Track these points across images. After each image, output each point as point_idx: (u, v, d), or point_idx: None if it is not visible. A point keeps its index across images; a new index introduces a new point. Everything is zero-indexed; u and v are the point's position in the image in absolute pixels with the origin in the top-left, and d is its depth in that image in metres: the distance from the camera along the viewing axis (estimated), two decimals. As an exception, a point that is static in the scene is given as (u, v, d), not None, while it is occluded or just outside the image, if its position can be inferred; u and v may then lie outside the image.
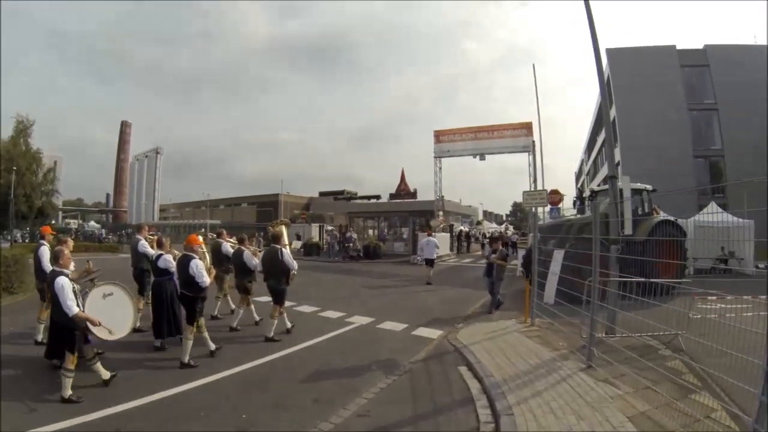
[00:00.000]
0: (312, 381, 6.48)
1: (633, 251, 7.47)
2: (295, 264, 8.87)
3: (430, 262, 18.00)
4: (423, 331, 9.38)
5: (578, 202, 17.77)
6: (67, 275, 5.67)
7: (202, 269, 7.10)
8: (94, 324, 5.65)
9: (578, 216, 14.87)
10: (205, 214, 71.57)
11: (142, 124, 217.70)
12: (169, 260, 7.66)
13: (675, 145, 32.75)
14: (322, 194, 61.74)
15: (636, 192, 13.77)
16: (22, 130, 55.45)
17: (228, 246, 10.21)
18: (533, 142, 30.75)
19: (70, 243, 7.28)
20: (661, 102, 33.88)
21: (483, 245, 34.90)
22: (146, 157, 79.12)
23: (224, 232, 11.01)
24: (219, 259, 10.05)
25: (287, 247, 9.07)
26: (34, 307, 8.18)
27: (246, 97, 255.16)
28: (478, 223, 54.17)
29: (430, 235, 19.88)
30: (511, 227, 50.01)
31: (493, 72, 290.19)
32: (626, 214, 8.37)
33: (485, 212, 73.27)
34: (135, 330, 7.09)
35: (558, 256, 10.77)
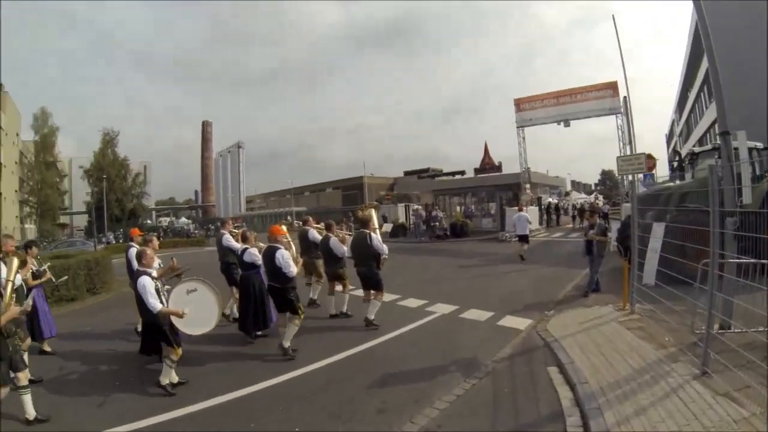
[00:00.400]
0: (380, 385, 5.76)
1: (744, 224, 5.85)
2: (385, 248, 8.36)
3: (523, 238, 16.85)
4: (510, 321, 8.36)
5: (677, 167, 15.74)
6: (149, 274, 5.75)
7: (288, 259, 6.81)
8: (177, 316, 5.63)
9: (678, 183, 13.15)
10: (291, 202, 72.25)
11: (225, 121, 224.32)
12: (255, 253, 7.52)
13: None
14: (407, 173, 61.13)
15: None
16: (109, 141, 60.56)
17: (315, 233, 9.78)
18: (625, 98, 26.67)
19: (155, 242, 7.70)
20: (760, 50, 29.09)
21: (574, 217, 32.84)
22: (229, 152, 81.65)
23: (310, 218, 10.58)
24: (307, 246, 9.73)
25: (377, 231, 8.65)
26: (118, 305, 8.31)
27: (325, 85, 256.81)
28: (567, 194, 50.84)
29: (521, 209, 18.58)
30: (600, 197, 46.86)
31: (570, 34, 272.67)
32: (745, 180, 6.75)
33: (573, 182, 69.11)
34: (225, 316, 7.78)
35: (658, 230, 9.25)
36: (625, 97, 26.98)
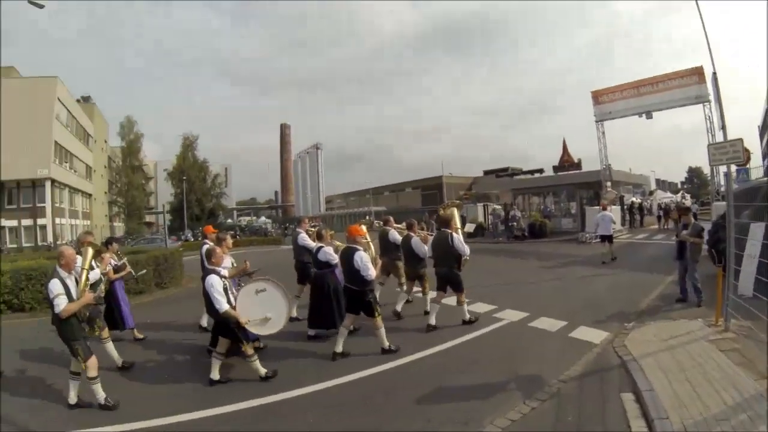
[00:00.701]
0: (428, 401, 5.14)
1: None
2: (467, 249, 7.89)
3: (607, 239, 15.71)
4: (584, 332, 7.42)
5: None
6: (218, 273, 5.75)
7: (367, 261, 6.51)
8: (240, 324, 5.58)
9: None
10: (370, 202, 72.39)
11: (306, 125, 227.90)
12: (330, 252, 7.33)
13: None
14: (486, 173, 59.49)
15: None
16: (189, 145, 64.41)
17: (396, 233, 9.35)
18: (714, 74, 23.35)
19: (229, 240, 7.53)
20: None
21: (659, 218, 30.41)
22: (307, 153, 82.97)
23: (391, 218, 10.13)
24: (387, 247, 9.33)
25: (459, 231, 8.34)
26: (184, 300, 9.02)
27: (402, 88, 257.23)
28: (651, 193, 47.14)
29: (605, 208, 17.27)
30: (688, 196, 43.81)
31: (647, 24, 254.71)
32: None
33: (657, 181, 64.24)
34: (291, 319, 7.54)
35: (757, 231, 8.10)
36: (714, 73, 23.97)
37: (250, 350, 5.72)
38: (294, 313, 8.23)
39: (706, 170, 77.08)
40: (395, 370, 6.18)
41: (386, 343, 6.64)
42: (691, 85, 27.22)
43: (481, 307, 9.25)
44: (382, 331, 6.67)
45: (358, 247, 6.66)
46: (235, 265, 7.12)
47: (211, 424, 4.75)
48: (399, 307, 8.90)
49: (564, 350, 6.67)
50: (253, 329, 5.79)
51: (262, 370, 5.78)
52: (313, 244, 8.07)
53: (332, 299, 7.22)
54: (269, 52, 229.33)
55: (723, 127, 8.19)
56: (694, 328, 7.08)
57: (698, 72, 26.76)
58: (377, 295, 9.29)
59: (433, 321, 7.85)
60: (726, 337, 6.52)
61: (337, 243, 7.93)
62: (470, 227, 28.42)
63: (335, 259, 7.22)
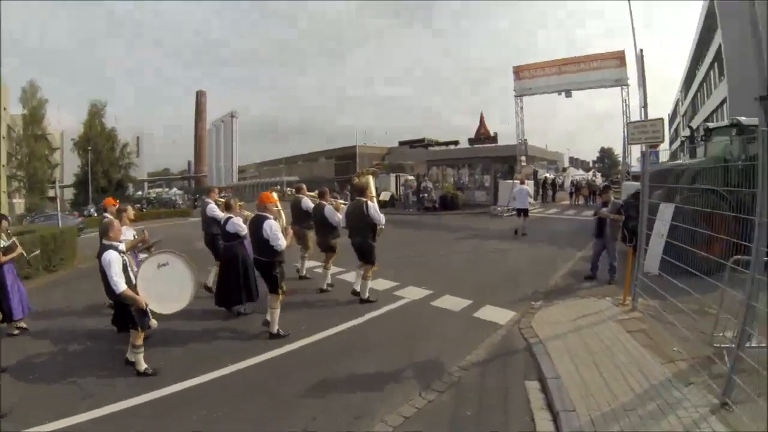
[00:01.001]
0: (316, 394, 4.68)
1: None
2: (382, 218, 7.87)
3: (523, 212, 16.02)
4: (489, 312, 7.15)
5: (688, 143, 14.52)
6: (116, 248, 5.27)
7: (277, 231, 6.23)
8: (139, 306, 5.16)
9: (695, 160, 11.97)
10: (283, 172, 70.76)
11: (229, 95, 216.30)
12: (238, 223, 7.09)
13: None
14: (402, 143, 59.52)
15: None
16: (96, 112, 60.08)
17: (308, 201, 9.23)
18: (642, 51, 24.25)
19: (130, 212, 7.31)
20: None
21: (571, 194, 31.74)
22: (222, 122, 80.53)
23: (304, 186, 9.91)
24: (300, 215, 9.25)
25: (374, 199, 8.20)
26: (76, 280, 9.07)
27: (341, 53, 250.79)
28: (564, 170, 49.43)
29: (522, 182, 17.66)
30: (599, 174, 46.35)
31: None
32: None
33: (571, 159, 67.72)
34: (208, 288, 7.77)
35: (666, 211, 8.17)
36: (641, 50, 24.77)
37: (139, 341, 5.25)
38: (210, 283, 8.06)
39: (617, 151, 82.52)
40: (284, 357, 5.69)
41: (276, 328, 6.28)
42: (612, 68, 28.53)
43: (382, 284, 8.80)
44: (278, 312, 6.32)
45: (268, 215, 6.37)
46: (138, 236, 6.78)
47: (88, 426, 4.19)
48: (303, 271, 9.46)
49: (467, 332, 6.34)
50: (157, 307, 5.45)
51: (143, 366, 5.25)
52: (222, 214, 7.76)
53: (240, 273, 6.98)
54: (198, 21, 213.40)
55: (645, 106, 8.08)
56: (603, 307, 7.02)
57: (619, 56, 28.15)
58: (304, 270, 9.59)
59: (361, 289, 7.89)
60: (633, 317, 6.49)
61: (247, 213, 7.69)
62: (386, 195, 28.38)
63: (244, 230, 6.99)
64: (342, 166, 66.78)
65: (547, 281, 9.00)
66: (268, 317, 6.35)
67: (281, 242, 6.17)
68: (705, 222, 6.10)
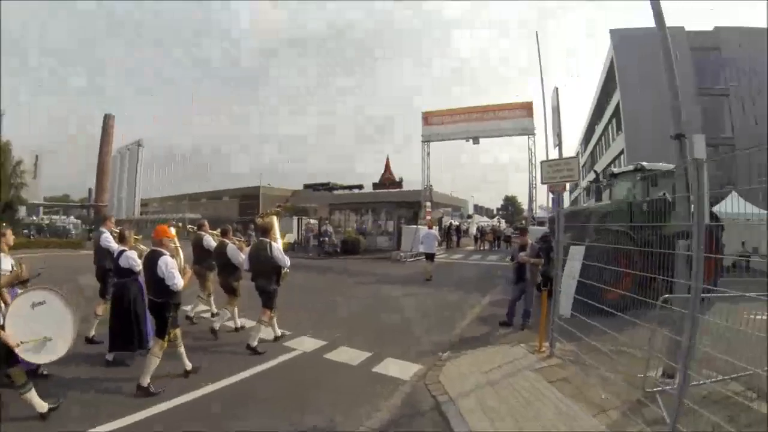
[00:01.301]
0: None
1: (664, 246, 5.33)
2: (287, 260, 7.62)
3: (430, 257, 16.19)
4: (391, 366, 6.35)
5: (595, 188, 15.15)
6: None
7: (173, 269, 5.71)
8: (11, 348, 4.43)
9: (602, 203, 12.60)
10: (186, 208, 69.28)
11: (143, 120, 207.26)
12: (133, 258, 6.57)
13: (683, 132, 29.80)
14: (307, 186, 59.12)
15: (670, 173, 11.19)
16: None
17: (210, 239, 8.87)
18: (556, 90, 25.20)
19: (9, 236, 6.16)
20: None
21: (476, 239, 32.57)
22: (128, 150, 76.94)
23: (206, 223, 9.48)
24: (200, 254, 8.84)
25: (278, 240, 7.99)
26: None
27: (248, 92, 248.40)
28: (469, 216, 51.26)
29: (430, 227, 17.96)
30: (502, 221, 48.47)
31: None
32: (703, 194, 5.20)
33: (476, 206, 70.69)
34: (90, 341, 7.01)
35: (576, 253, 8.03)
36: (556, 87, 26.48)
37: (20, 378, 4.60)
38: (92, 333, 7.27)
39: (520, 199, 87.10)
40: (151, 420, 4.69)
41: (147, 380, 5.47)
42: (519, 117, 30.01)
43: (270, 332, 7.77)
44: (155, 363, 5.58)
45: (164, 251, 5.84)
46: (15, 269, 5.78)
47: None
48: (193, 312, 8.88)
49: (366, 390, 5.50)
50: (27, 356, 4.64)
51: (41, 404, 4.63)
52: (117, 246, 7.04)
53: (133, 314, 6.43)
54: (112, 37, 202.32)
55: (559, 144, 7.97)
56: (518, 355, 6.50)
57: (527, 107, 29.89)
58: (192, 313, 8.98)
59: (252, 334, 7.21)
60: (552, 364, 6.03)
61: (143, 248, 7.10)
62: (290, 238, 27.80)
63: (139, 265, 6.44)
64: (246, 206, 66.74)
65: (454, 329, 8.44)
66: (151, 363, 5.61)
67: (177, 282, 5.64)
68: (615, 260, 6.38)
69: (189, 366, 6.06)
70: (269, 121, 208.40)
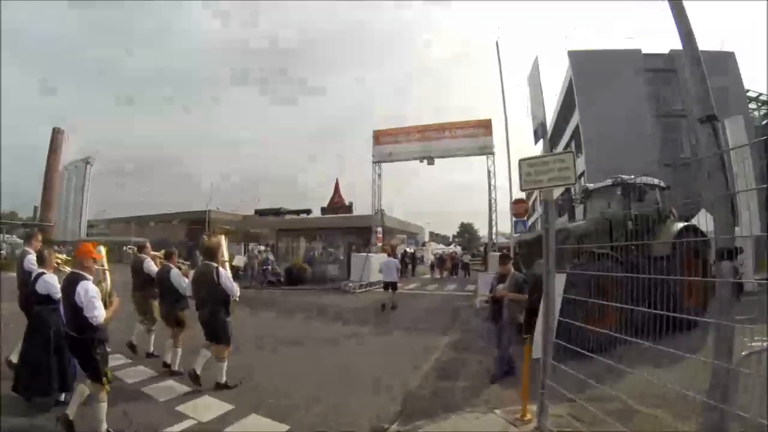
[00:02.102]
0: None
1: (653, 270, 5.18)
2: (236, 288, 6.84)
3: (392, 286, 15.36)
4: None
5: (568, 207, 13.98)
6: None
7: (93, 297, 4.78)
8: None
9: (579, 222, 11.22)
10: (132, 231, 67.48)
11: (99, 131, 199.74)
12: (52, 282, 5.84)
13: (642, 154, 29.74)
14: (258, 212, 57.70)
15: (650, 187, 10.16)
16: None
17: (152, 263, 8.27)
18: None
19: None
20: (626, 108, 31.22)
21: (432, 267, 31.90)
22: (75, 167, 74.30)
23: (148, 245, 9.01)
24: (141, 280, 8.23)
25: (226, 264, 7.41)
26: None
27: (197, 105, 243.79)
28: (424, 243, 50.37)
29: (390, 255, 17.65)
30: (459, 247, 48.20)
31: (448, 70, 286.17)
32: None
33: (431, 233, 70.11)
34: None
35: (557, 283, 6.40)
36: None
37: None
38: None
39: (477, 226, 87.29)
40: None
41: (104, 427, 4.89)
42: (477, 136, 28.67)
43: (164, 391, 6.02)
44: (104, 408, 4.92)
45: (86, 275, 5.02)
46: None
47: None
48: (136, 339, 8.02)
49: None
50: None
51: None
52: (36, 268, 6.36)
53: (51, 350, 5.64)
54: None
55: (543, 136, 6.07)
56: (493, 427, 4.71)
57: (485, 125, 28.48)
58: (135, 340, 8.06)
59: (217, 373, 6.43)
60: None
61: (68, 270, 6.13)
62: (239, 260, 25.58)
63: (59, 292, 5.54)
64: (196, 231, 65.19)
65: (407, 386, 6.54)
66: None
67: (98, 313, 4.78)
68: (599, 291, 5.16)
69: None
70: (221, 143, 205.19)
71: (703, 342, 3.87)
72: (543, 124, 5.24)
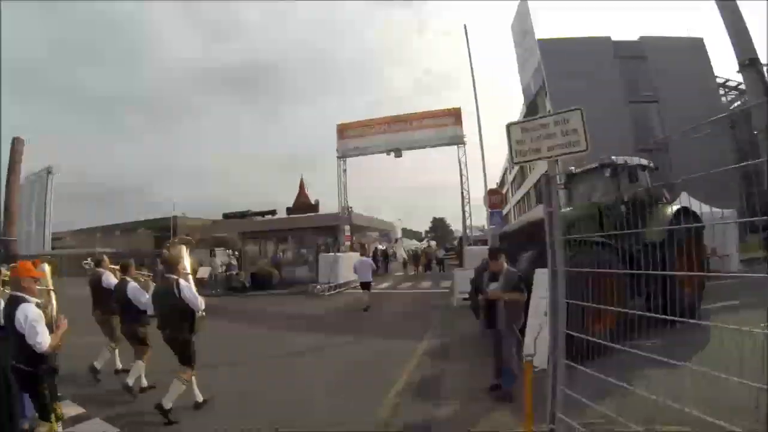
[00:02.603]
0: None
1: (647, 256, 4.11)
2: (200, 302, 6.17)
3: (366, 286, 15.27)
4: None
5: (546, 192, 13.07)
6: None
7: (36, 321, 4.31)
8: None
9: (565, 210, 10.07)
10: (96, 242, 64.63)
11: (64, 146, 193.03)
12: None
13: (616, 139, 29.20)
14: (227, 216, 56.32)
15: (640, 168, 9.63)
16: None
17: (111, 277, 7.74)
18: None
19: None
20: (598, 95, 30.66)
21: (405, 264, 31.44)
22: (37, 177, 72.12)
23: (106, 258, 8.39)
24: (100, 296, 7.74)
25: (189, 276, 6.73)
26: None
27: (169, 123, 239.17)
28: (397, 240, 50.06)
29: (363, 254, 18.15)
30: (433, 242, 47.12)
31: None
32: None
33: (404, 229, 69.51)
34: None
35: (543, 280, 5.39)
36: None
37: None
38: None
39: (449, 221, 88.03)
40: None
41: None
42: (446, 125, 27.69)
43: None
44: None
45: (27, 296, 4.50)
46: None
47: None
48: (130, 381, 6.65)
49: None
50: None
51: None
52: None
53: (2, 387, 4.62)
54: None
55: (539, 91, 5.06)
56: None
57: (455, 114, 27.56)
58: (99, 365, 7.37)
59: (199, 397, 6.10)
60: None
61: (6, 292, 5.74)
62: (204, 271, 23.96)
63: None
64: (163, 239, 62.93)
65: (379, 410, 5.48)
66: None
67: (41, 339, 4.28)
68: (594, 284, 4.58)
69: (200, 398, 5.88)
70: (188, 150, 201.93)
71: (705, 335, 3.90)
72: (539, 73, 4.21)
